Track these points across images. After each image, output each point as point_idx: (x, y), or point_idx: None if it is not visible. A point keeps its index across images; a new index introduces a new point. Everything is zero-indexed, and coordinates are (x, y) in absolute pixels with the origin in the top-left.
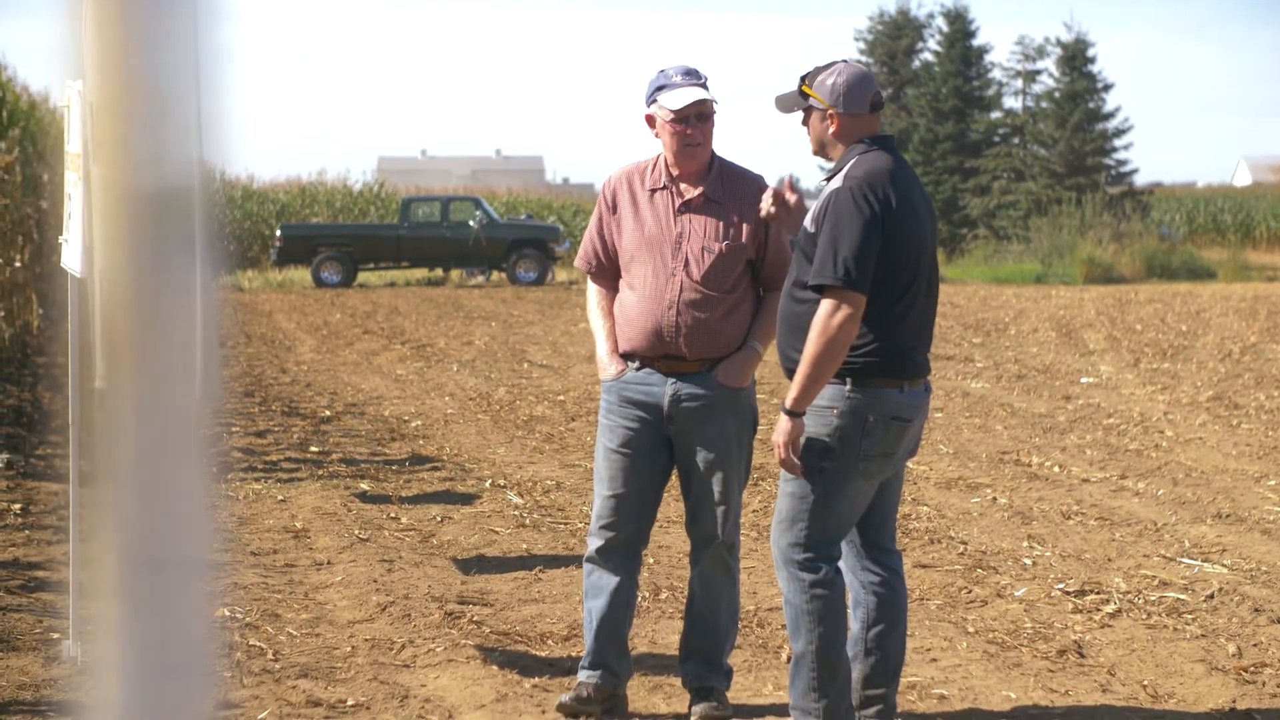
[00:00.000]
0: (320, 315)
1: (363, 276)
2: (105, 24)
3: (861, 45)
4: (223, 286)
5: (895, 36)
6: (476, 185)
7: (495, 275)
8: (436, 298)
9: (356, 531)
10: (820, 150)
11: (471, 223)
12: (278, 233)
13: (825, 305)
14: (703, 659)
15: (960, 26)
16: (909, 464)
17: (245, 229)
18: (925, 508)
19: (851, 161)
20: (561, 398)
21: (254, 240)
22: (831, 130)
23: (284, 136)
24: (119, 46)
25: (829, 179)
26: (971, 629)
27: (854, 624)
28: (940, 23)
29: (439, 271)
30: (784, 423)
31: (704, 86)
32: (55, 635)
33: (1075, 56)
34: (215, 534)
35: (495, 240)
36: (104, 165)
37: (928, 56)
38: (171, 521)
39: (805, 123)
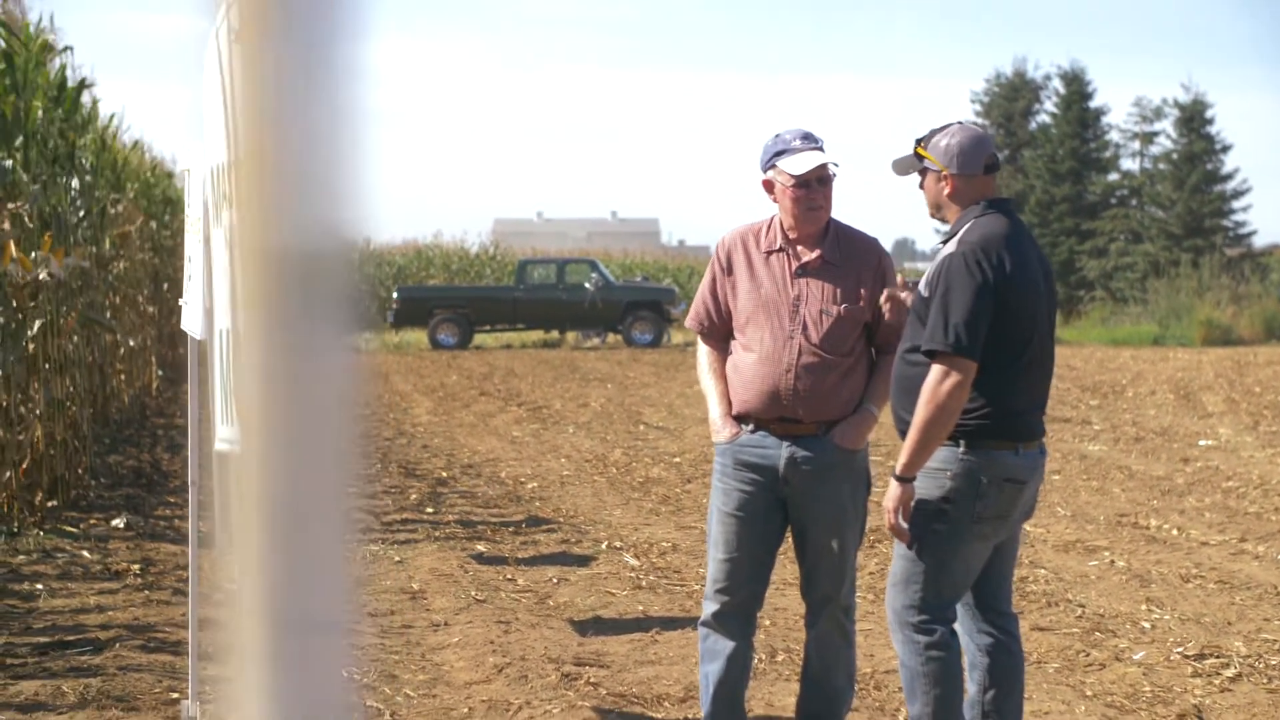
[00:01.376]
0: (437, 377)
1: (479, 338)
2: (249, 82)
3: (978, 107)
4: (364, 348)
5: (1012, 98)
6: (592, 247)
7: (611, 337)
8: (552, 360)
9: (473, 593)
10: (936, 212)
11: (587, 284)
12: (394, 295)
13: (935, 371)
14: None
15: (1077, 88)
16: (1026, 526)
17: (362, 291)
18: (1043, 570)
19: (967, 225)
20: (677, 460)
21: (372, 302)
22: (946, 192)
23: (401, 198)
24: (261, 106)
25: (945, 242)
26: (1090, 693)
27: (971, 687)
28: (1057, 84)
29: (555, 333)
30: (894, 488)
31: (822, 149)
32: (175, 695)
33: (1193, 118)
34: (354, 596)
35: (611, 302)
36: (243, 226)
37: (1044, 118)
38: (312, 583)
39: (922, 185)
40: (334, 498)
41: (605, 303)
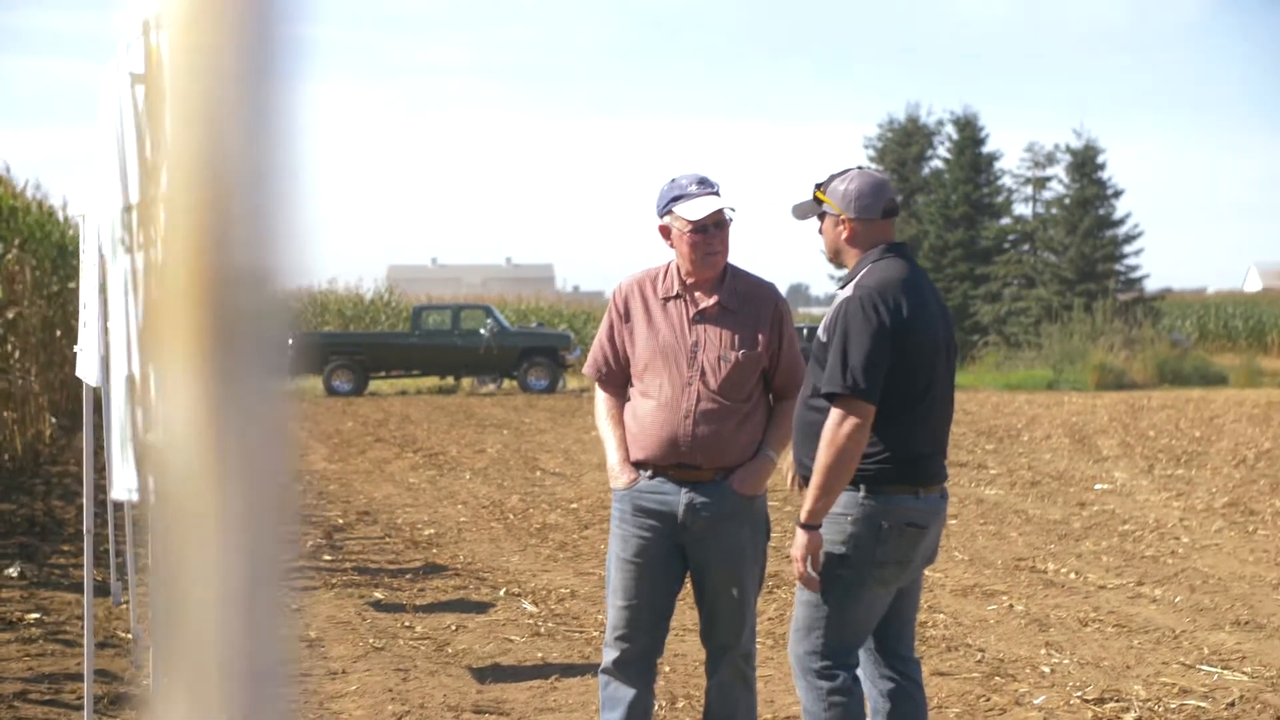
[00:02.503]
0: (332, 423)
1: (374, 385)
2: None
3: (871, 152)
4: (290, 394)
5: (905, 143)
6: (487, 293)
7: (507, 383)
8: (448, 406)
9: (371, 640)
10: (835, 256)
11: (482, 330)
12: (288, 341)
13: (834, 415)
14: None
15: (969, 134)
16: (926, 571)
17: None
18: (942, 615)
19: (865, 270)
20: (575, 505)
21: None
22: (844, 236)
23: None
24: (183, 151)
25: (842, 286)
26: None
27: None
28: (950, 130)
29: (450, 379)
30: (801, 536)
31: (718, 194)
32: None
33: (1085, 163)
34: (292, 645)
35: (506, 348)
36: (164, 268)
37: (938, 163)
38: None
39: (820, 230)
40: (267, 545)
41: (500, 349)
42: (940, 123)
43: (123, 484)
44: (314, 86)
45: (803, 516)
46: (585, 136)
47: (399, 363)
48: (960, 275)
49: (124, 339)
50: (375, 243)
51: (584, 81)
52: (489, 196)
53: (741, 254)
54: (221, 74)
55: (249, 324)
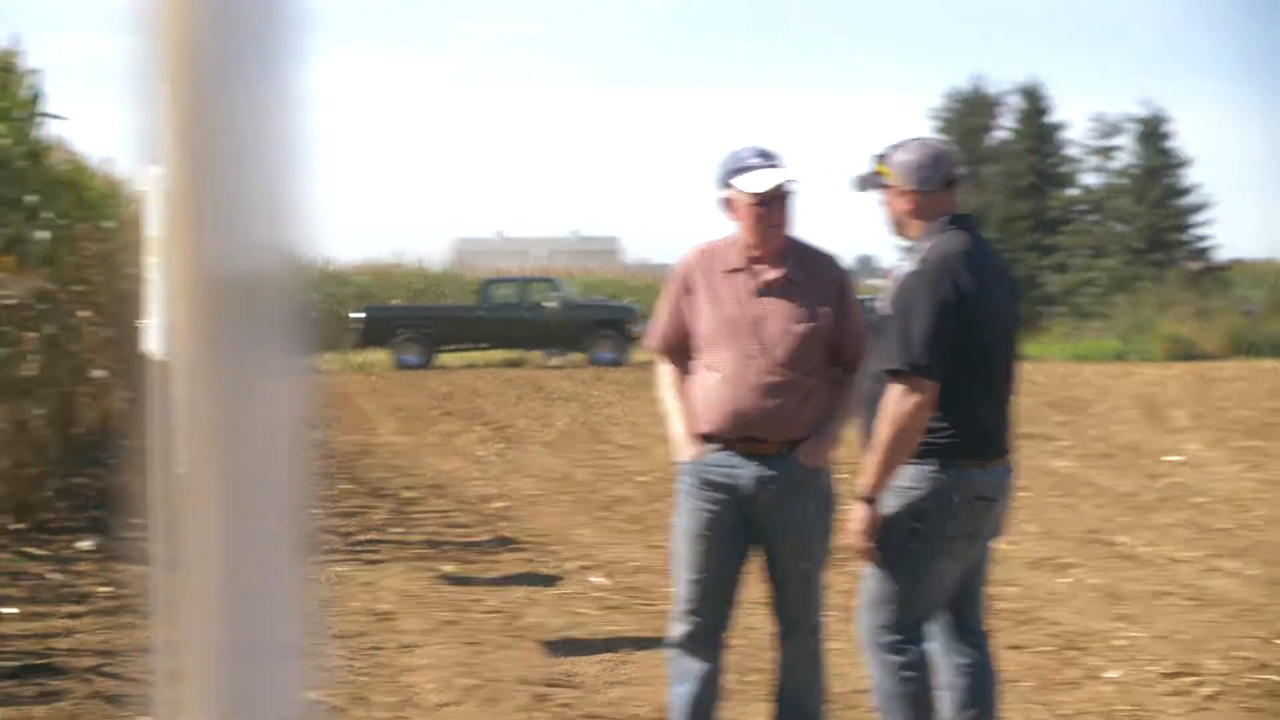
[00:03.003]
0: (401, 397)
1: (442, 358)
2: (180, 108)
3: (936, 123)
4: (310, 370)
5: (970, 114)
6: (553, 266)
7: (574, 356)
8: (516, 379)
9: (442, 614)
10: (898, 229)
11: (549, 303)
12: (360, 314)
13: (894, 391)
14: None
15: (1035, 104)
16: (997, 544)
17: (323, 311)
18: (1014, 588)
19: (928, 244)
20: (644, 478)
21: (334, 322)
22: (906, 208)
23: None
24: (193, 131)
25: (905, 260)
26: (1064, 711)
27: (946, 707)
28: (1015, 100)
29: (518, 352)
30: (859, 510)
31: (780, 166)
32: (145, 719)
33: (1152, 132)
34: (308, 620)
35: (574, 321)
36: (181, 251)
37: (1003, 134)
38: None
39: (882, 202)
40: (287, 521)
41: (568, 321)
42: (1005, 93)
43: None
44: (351, 64)
45: (862, 491)
46: (651, 108)
47: (467, 336)
48: (1028, 246)
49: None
50: (442, 216)
51: (649, 53)
52: (555, 169)
53: (807, 226)
54: (221, 56)
55: (256, 304)
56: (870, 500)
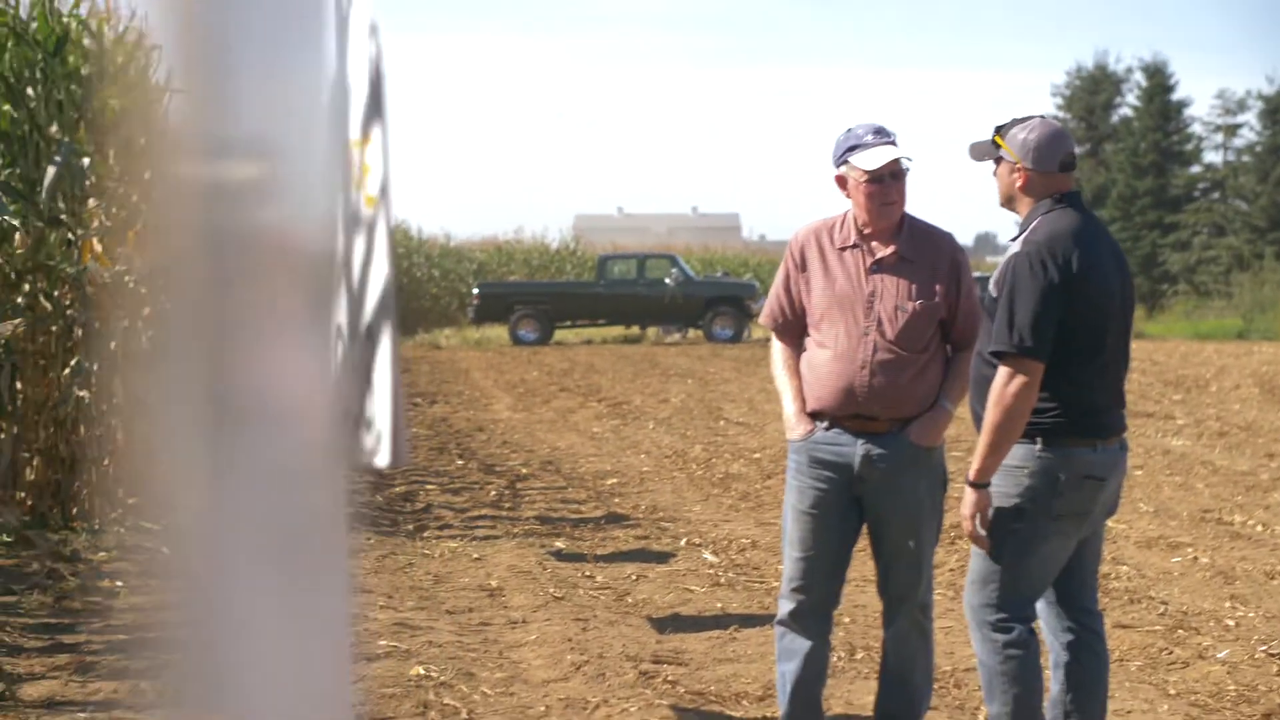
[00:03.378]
0: (517, 373)
1: (559, 334)
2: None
3: (1059, 100)
4: (400, 343)
5: (1093, 91)
6: (673, 242)
7: (691, 332)
8: (633, 355)
9: (551, 590)
10: (1007, 203)
11: (667, 280)
12: (475, 290)
13: (1001, 373)
14: None
15: (1159, 81)
16: (1109, 522)
17: (443, 287)
18: (1125, 567)
19: (1035, 223)
20: (758, 455)
21: (452, 298)
22: (1019, 184)
23: (481, 195)
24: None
25: (1014, 239)
26: (1173, 691)
27: (1053, 686)
28: (1139, 77)
29: (635, 329)
30: (969, 495)
31: (895, 144)
32: None
33: (1278, 109)
34: (349, 594)
35: (691, 297)
36: (226, 215)
37: (1126, 111)
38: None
39: (995, 174)
40: (312, 493)
41: (685, 298)
42: (1129, 70)
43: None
44: (472, 41)
45: (971, 475)
46: (772, 85)
47: (584, 312)
48: (1149, 224)
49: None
50: (562, 192)
51: (771, 30)
52: (675, 145)
53: (927, 203)
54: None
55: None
56: (980, 485)
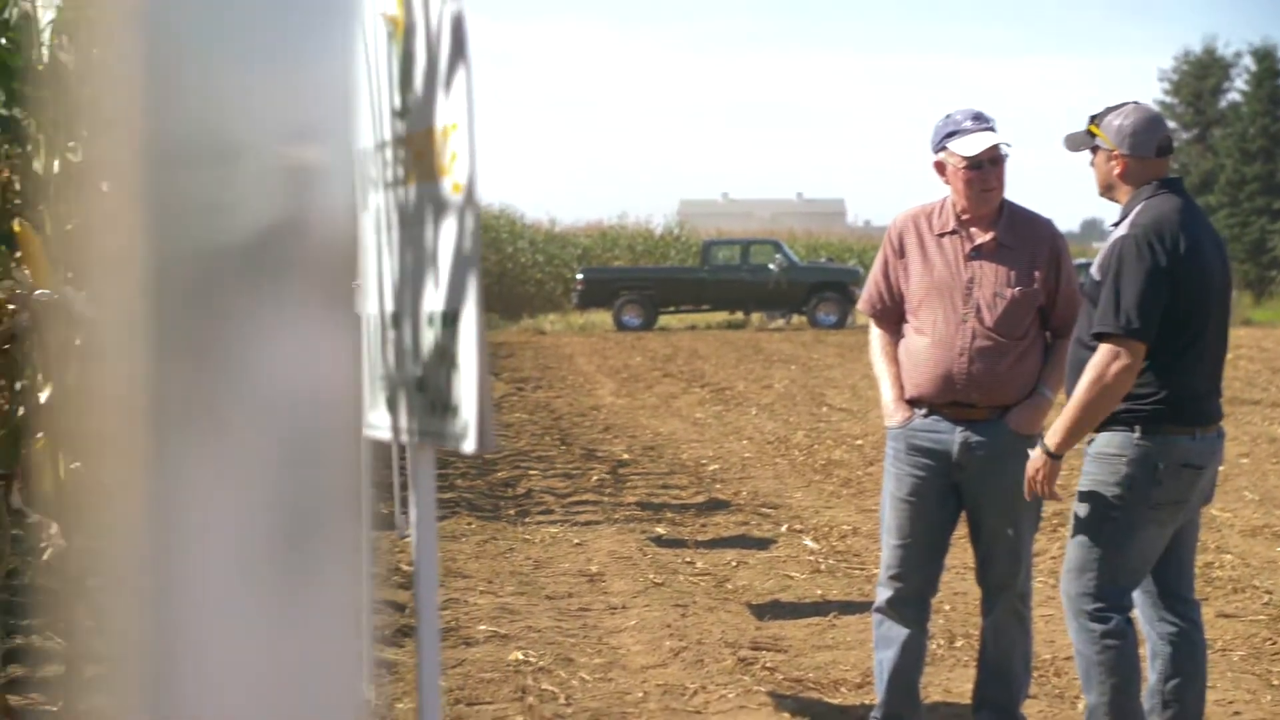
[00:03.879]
0: (621, 358)
1: (663, 319)
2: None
3: (1166, 85)
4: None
5: (1201, 76)
6: (777, 228)
7: (795, 318)
8: (736, 341)
9: (651, 575)
10: (1106, 191)
11: (771, 265)
12: (579, 276)
13: (1104, 351)
14: (996, 708)
15: (1268, 65)
16: (1212, 510)
17: (547, 272)
18: (1229, 555)
19: (1138, 207)
20: (860, 442)
21: (556, 284)
22: (1117, 172)
23: (586, 181)
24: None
25: (1116, 224)
26: (1277, 681)
27: (1151, 675)
28: (1248, 61)
29: (739, 314)
30: (1041, 457)
31: (994, 129)
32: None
33: None
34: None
35: (795, 283)
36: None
37: (1235, 96)
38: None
39: (1093, 163)
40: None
41: (789, 284)
42: (1238, 54)
43: (376, 422)
44: (579, 30)
45: (1050, 443)
46: (876, 72)
47: (688, 297)
48: (1258, 209)
49: (374, 276)
50: (667, 178)
51: (875, 17)
52: (780, 132)
53: (1031, 190)
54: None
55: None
56: (1056, 456)
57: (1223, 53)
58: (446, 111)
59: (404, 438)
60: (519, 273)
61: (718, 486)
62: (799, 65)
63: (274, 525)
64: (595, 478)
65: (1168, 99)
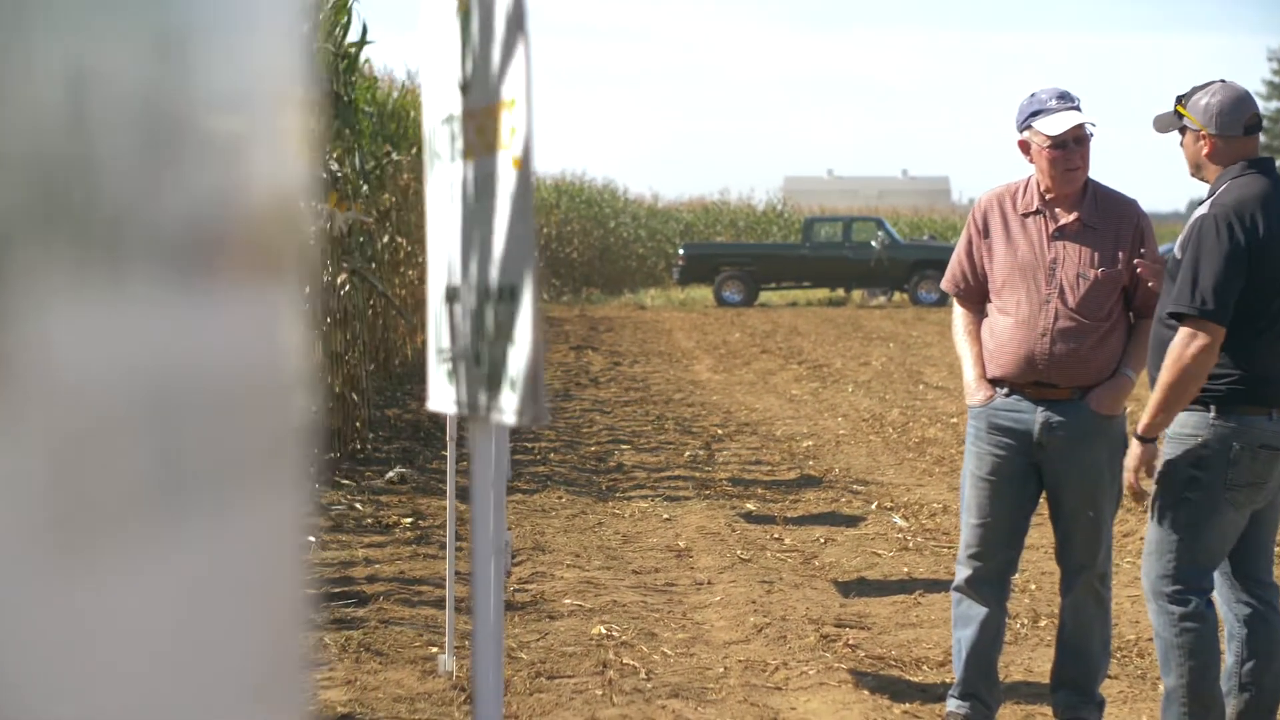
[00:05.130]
0: (720, 334)
1: (764, 296)
2: None
3: (1276, 65)
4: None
5: None
6: (882, 205)
7: (897, 296)
8: (836, 318)
9: (739, 552)
10: (1196, 172)
11: (874, 243)
12: (680, 251)
13: (1182, 334)
14: (1075, 689)
15: None
16: None
17: (649, 247)
18: None
19: (1223, 187)
20: (955, 420)
21: (658, 259)
22: (1205, 152)
23: (690, 156)
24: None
25: (1202, 203)
26: None
27: (1228, 657)
28: None
29: (840, 291)
30: (1135, 448)
31: (1079, 109)
32: (434, 649)
33: None
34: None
35: (897, 260)
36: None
37: None
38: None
39: (1181, 144)
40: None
41: (891, 261)
42: None
43: (439, 396)
44: (688, 6)
45: (1140, 429)
46: (983, 50)
47: (789, 274)
48: None
49: (441, 249)
50: (772, 154)
51: None
52: (886, 108)
53: (1140, 170)
54: None
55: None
56: (1147, 440)
57: None
58: (507, 86)
59: (462, 410)
60: (621, 247)
61: (810, 463)
62: (906, 41)
63: (52, 517)
64: (688, 453)
65: (1278, 78)
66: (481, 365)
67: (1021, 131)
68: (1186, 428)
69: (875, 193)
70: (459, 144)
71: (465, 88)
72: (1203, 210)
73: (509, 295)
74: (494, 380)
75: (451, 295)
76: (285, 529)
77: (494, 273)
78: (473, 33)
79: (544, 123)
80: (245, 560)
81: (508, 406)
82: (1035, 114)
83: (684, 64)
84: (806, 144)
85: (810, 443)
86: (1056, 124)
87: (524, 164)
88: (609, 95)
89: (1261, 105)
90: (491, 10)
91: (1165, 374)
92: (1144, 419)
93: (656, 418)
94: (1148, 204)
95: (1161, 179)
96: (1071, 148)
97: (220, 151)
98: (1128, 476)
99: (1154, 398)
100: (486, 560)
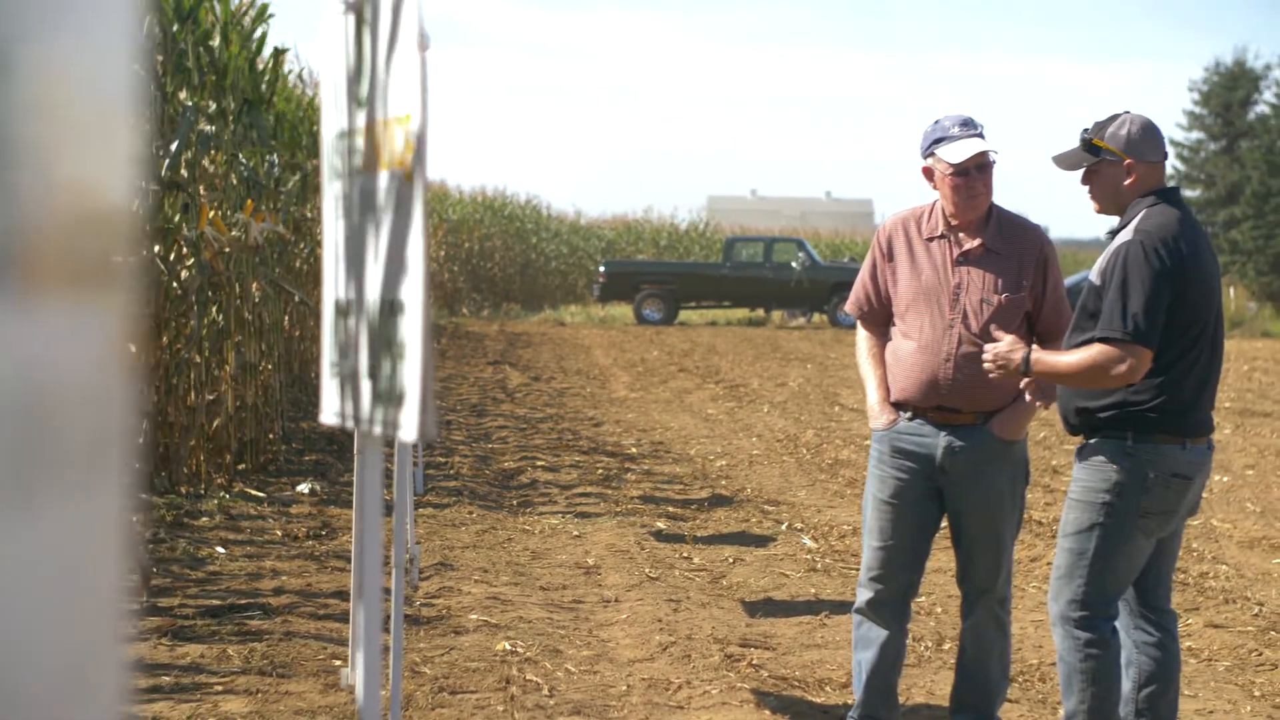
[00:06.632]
0: (638, 352)
1: (684, 315)
2: None
3: (1196, 95)
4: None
5: (1231, 87)
6: (805, 227)
7: (816, 317)
8: (755, 338)
9: (647, 570)
10: (1110, 201)
11: (794, 264)
12: (601, 268)
13: (1110, 352)
14: (974, 712)
15: None
16: (1212, 521)
17: (570, 264)
18: (1224, 566)
19: (1140, 214)
20: (869, 442)
21: (579, 275)
22: (1128, 181)
23: (613, 173)
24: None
25: (1115, 233)
26: (1258, 693)
27: (1126, 683)
28: (1278, 74)
29: (760, 311)
30: (1016, 354)
31: (981, 136)
32: (337, 663)
33: None
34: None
35: (817, 282)
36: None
37: (1264, 108)
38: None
39: (1086, 180)
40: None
41: (811, 282)
42: (1268, 67)
43: (331, 410)
44: (611, 20)
45: (1033, 360)
46: (906, 72)
47: (710, 293)
48: None
49: (331, 263)
50: (695, 173)
51: (905, 17)
52: (810, 129)
53: (1068, 195)
54: None
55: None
56: (1026, 371)
57: (1253, 64)
58: (402, 101)
59: (351, 424)
60: (543, 263)
61: (723, 483)
62: (832, 62)
63: None
64: (601, 471)
65: (1197, 109)
66: (371, 379)
67: (925, 158)
68: (1102, 454)
69: (798, 213)
70: (354, 159)
71: (360, 102)
72: (1126, 236)
73: (399, 309)
74: (382, 394)
75: (342, 309)
76: (101, 529)
77: (382, 287)
78: (366, 47)
79: (465, 138)
80: (56, 560)
81: (396, 420)
82: (938, 141)
83: (609, 81)
84: (731, 163)
85: (724, 462)
86: (959, 151)
87: (415, 178)
88: (533, 111)
89: (1182, 136)
90: (388, 25)
91: (1079, 363)
92: (1043, 359)
93: (571, 435)
94: (1073, 230)
95: (1088, 206)
96: (974, 175)
97: (37, 159)
98: (986, 358)
99: (1056, 365)
100: (375, 574)
